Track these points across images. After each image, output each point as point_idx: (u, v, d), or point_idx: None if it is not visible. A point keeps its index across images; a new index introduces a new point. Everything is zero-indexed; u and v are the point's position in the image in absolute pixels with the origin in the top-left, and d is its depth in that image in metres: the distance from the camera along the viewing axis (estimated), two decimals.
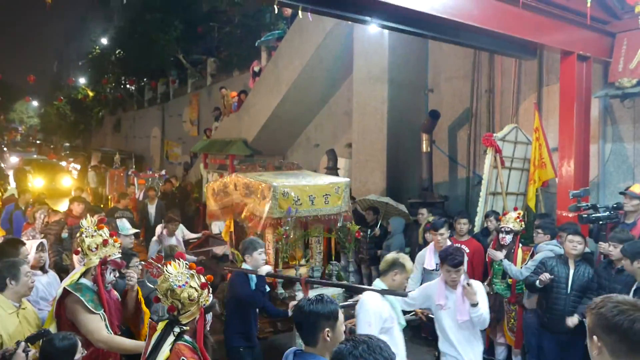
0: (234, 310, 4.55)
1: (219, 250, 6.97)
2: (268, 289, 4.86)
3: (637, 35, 6.00)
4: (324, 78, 11.63)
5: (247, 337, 4.56)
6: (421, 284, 4.91)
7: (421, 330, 7.22)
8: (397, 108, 9.51)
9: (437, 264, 5.23)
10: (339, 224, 5.62)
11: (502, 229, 5.64)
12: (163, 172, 15.06)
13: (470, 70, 8.84)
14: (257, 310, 4.74)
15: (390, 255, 3.99)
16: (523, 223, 5.75)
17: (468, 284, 3.91)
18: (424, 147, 8.80)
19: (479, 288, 4.00)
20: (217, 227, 8.29)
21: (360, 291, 4.04)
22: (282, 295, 5.12)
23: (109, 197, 15.55)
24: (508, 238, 5.60)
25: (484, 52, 8.28)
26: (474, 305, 3.86)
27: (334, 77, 11.69)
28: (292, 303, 4.64)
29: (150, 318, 3.72)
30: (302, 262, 5.62)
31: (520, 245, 5.58)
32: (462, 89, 9.05)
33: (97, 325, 3.14)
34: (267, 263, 4.84)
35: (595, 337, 1.83)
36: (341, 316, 2.56)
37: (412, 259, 7.04)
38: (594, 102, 6.50)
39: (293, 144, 14.02)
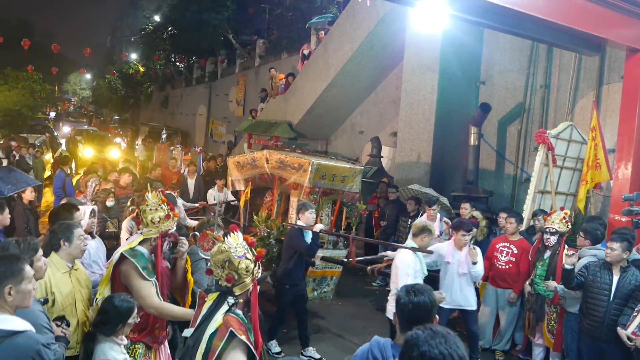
0: (289, 258, 5.62)
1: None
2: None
3: None
4: (373, 65, 11.54)
5: (296, 279, 5.68)
6: None
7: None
8: (446, 99, 9.35)
9: (440, 231, 6.83)
10: (356, 202, 7.28)
11: (547, 230, 5.48)
12: (198, 149, 15.38)
13: (526, 64, 8.58)
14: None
15: (421, 222, 5.24)
16: (569, 224, 5.57)
17: (473, 247, 5.31)
18: (472, 140, 8.63)
19: (479, 252, 5.40)
20: (212, 197, 9.52)
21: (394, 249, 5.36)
22: None
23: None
24: (553, 239, 5.44)
25: (542, 45, 8.01)
26: (474, 263, 5.27)
27: (383, 64, 11.58)
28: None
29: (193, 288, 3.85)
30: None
31: (566, 247, 5.40)
32: (515, 82, 8.80)
33: (149, 291, 3.26)
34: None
35: None
36: None
37: None
38: None
39: (337, 129, 14.02)
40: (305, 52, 13.87)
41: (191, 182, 11.00)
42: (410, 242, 4.99)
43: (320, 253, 6.07)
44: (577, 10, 5.02)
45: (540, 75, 8.38)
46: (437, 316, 2.51)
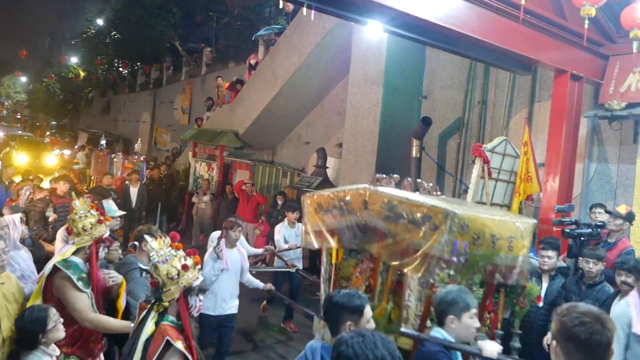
0: None
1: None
2: None
3: (629, 59, 6.15)
4: (320, 77, 11.69)
5: None
6: None
7: None
8: (390, 112, 9.59)
9: None
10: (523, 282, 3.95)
11: None
12: (142, 158, 14.96)
13: (465, 80, 8.95)
14: None
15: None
16: None
17: None
18: (414, 152, 8.89)
19: None
20: (281, 235, 7.36)
21: None
22: None
23: (92, 177, 15.54)
24: None
25: (480, 63, 8.40)
26: None
27: (329, 76, 11.75)
28: None
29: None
30: None
31: None
32: (455, 98, 9.15)
33: (84, 304, 3.15)
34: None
35: (554, 342, 1.93)
36: (368, 313, 2.59)
37: None
38: (583, 121, 6.65)
39: (284, 139, 14.06)
40: (252, 62, 13.88)
41: (134, 191, 10.76)
42: None
43: None
44: (511, 32, 5.31)
45: (478, 91, 8.77)
46: (350, 322, 2.54)
